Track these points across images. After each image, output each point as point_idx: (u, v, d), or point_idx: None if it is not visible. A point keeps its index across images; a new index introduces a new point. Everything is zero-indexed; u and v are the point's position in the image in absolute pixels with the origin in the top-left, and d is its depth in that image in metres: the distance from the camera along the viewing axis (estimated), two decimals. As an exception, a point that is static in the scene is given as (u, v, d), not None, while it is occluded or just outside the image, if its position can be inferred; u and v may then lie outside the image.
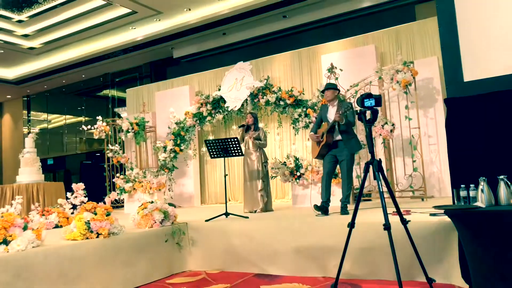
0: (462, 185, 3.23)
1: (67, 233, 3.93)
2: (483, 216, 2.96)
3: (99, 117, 8.93)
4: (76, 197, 5.48)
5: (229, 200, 8.90)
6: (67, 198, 5.71)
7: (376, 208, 5.14)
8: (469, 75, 3.59)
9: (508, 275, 2.93)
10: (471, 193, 3.17)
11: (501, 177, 3.05)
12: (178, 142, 8.60)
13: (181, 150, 8.62)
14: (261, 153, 6.22)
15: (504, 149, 3.30)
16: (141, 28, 10.89)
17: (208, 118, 8.72)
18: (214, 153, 5.64)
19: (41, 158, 9.41)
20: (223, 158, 5.63)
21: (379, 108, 4.17)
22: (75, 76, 13.99)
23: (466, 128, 3.48)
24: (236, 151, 5.57)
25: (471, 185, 3.16)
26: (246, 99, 8.21)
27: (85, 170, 14.08)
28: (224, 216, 5.18)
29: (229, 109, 8.44)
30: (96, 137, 8.92)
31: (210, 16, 9.91)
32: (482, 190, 3.08)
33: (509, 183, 3.04)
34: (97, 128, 8.79)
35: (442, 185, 6.69)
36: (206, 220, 4.91)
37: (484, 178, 3.10)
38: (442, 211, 3.20)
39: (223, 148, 5.56)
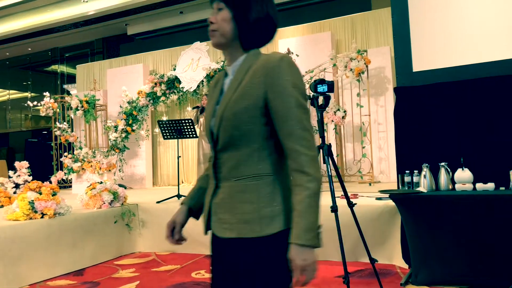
0: (406, 171, 3.38)
1: (8, 213, 3.76)
2: (423, 200, 3.12)
3: (47, 93, 8.51)
4: (19, 175, 5.23)
5: (182, 182, 8.82)
6: (9, 177, 5.44)
7: (325, 192, 5.27)
8: (418, 65, 3.73)
9: (445, 256, 3.13)
10: (415, 179, 3.33)
11: (442, 164, 3.22)
12: (130, 122, 8.37)
13: (133, 130, 8.41)
14: (215, 136, 6.18)
15: (445, 138, 3.47)
16: (94, 1, 10.40)
17: (162, 98, 8.53)
18: (168, 134, 5.55)
19: (-19, 134, 8.89)
20: (176, 140, 5.55)
21: (331, 95, 4.25)
22: (21, 49, 13.20)
23: (412, 117, 3.63)
24: (190, 132, 5.51)
25: (415, 171, 3.32)
26: (202, 81, 8.09)
27: (30, 148, 13.43)
28: (176, 198, 5.14)
29: (184, 90, 8.30)
30: (42, 114, 8.50)
31: (167, -7, 9.65)
32: (424, 176, 3.24)
33: (449, 170, 3.21)
34: (44, 104, 8.38)
35: (389, 171, 6.96)
36: (158, 202, 4.85)
37: (427, 164, 3.26)
38: (387, 195, 3.34)
39: (177, 129, 5.47)
